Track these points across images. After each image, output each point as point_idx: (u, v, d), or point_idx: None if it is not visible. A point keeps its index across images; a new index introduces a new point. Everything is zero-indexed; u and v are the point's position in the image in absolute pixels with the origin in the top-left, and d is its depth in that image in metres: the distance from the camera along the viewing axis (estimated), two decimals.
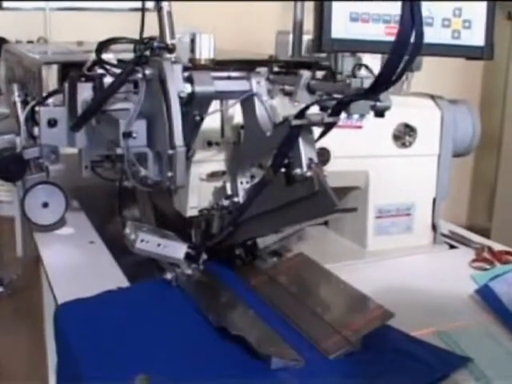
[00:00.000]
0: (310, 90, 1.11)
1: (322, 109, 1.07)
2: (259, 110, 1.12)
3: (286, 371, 0.94)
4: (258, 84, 1.13)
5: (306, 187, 1.02)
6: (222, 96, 1.16)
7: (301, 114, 1.01)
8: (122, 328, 1.06)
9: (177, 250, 1.20)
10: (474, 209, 4.72)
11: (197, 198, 1.27)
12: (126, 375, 0.90)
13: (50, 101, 1.38)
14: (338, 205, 0.98)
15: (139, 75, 1.10)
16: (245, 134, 1.20)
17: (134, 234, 1.20)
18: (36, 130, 1.40)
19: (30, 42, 3.45)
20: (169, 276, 1.21)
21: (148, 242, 1.19)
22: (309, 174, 1.01)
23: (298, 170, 1.02)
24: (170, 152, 1.03)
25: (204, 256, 1.24)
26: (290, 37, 1.70)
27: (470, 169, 4.62)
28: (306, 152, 1.02)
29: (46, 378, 2.00)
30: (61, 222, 1.51)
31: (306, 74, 1.10)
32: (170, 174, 1.04)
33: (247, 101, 1.14)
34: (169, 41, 1.13)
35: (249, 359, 0.96)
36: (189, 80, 1.07)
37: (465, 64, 3.76)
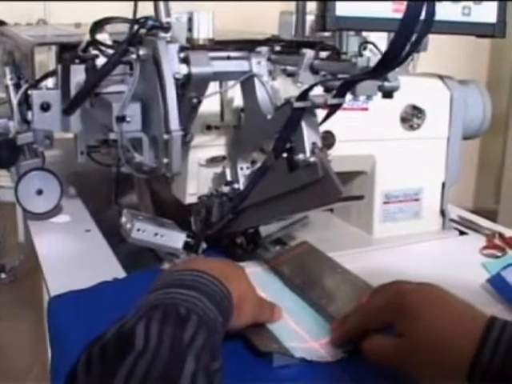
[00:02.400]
0: (314, 70, 1.05)
1: (327, 90, 1.02)
2: (260, 91, 1.07)
3: (287, 369, 0.91)
4: (259, 64, 1.08)
5: (309, 173, 0.97)
6: (221, 77, 1.11)
7: (304, 96, 0.96)
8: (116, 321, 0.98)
9: (175, 239, 1.16)
10: (481, 191, 4.68)
11: (196, 184, 1.22)
12: None
13: (44, 84, 1.33)
14: (342, 192, 0.93)
15: (133, 56, 1.05)
16: (245, 117, 1.15)
17: (129, 222, 1.16)
18: (29, 115, 1.35)
19: (29, 24, 3.40)
20: (166, 266, 1.17)
21: (144, 232, 1.15)
22: (312, 159, 0.96)
23: (300, 156, 0.97)
24: (166, 137, 0.98)
25: (203, 245, 1.19)
26: (293, 17, 1.65)
27: (477, 151, 4.58)
28: (309, 136, 0.97)
29: (47, 364, 1.97)
30: (56, 210, 1.46)
31: (309, 53, 1.05)
32: (165, 160, 0.99)
33: (247, 82, 1.09)
34: (164, 19, 1.08)
35: (250, 356, 0.93)
36: (185, 61, 1.02)
37: (471, 44, 3.71)
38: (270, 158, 1.03)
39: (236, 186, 1.15)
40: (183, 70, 1.01)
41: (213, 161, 1.21)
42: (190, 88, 1.03)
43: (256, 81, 1.08)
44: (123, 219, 1.19)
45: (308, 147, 0.96)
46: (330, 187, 0.94)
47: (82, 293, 1.10)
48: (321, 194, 0.96)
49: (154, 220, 1.19)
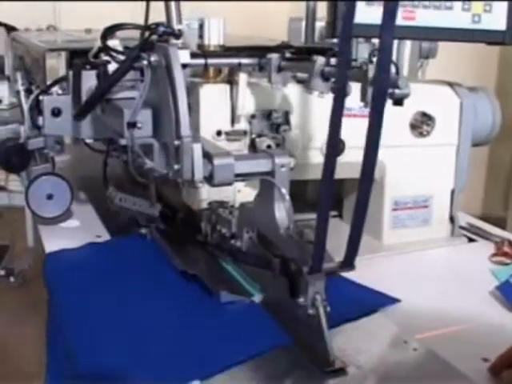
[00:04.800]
0: (325, 76, 1.05)
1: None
2: (278, 205, 1.03)
3: (234, 305, 1.12)
4: (281, 169, 1.02)
5: (306, 321, 0.98)
6: (243, 178, 1.06)
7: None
8: (102, 275, 1.24)
9: (152, 207, 1.37)
10: (489, 198, 4.66)
11: (206, 190, 1.22)
12: (105, 322, 1.08)
13: (55, 89, 1.33)
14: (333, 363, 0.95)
15: (144, 62, 1.05)
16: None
17: (114, 193, 1.41)
18: (40, 120, 1.35)
19: (40, 29, 3.41)
20: (143, 231, 1.39)
21: (126, 201, 1.40)
22: (311, 311, 0.97)
23: (301, 299, 0.97)
24: (177, 143, 0.98)
25: None
26: (303, 23, 1.65)
27: (485, 157, 4.56)
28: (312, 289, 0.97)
29: None
30: (66, 215, 1.46)
31: (320, 60, 1.05)
32: (176, 166, 0.99)
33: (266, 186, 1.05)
34: (175, 26, 1.08)
35: (203, 294, 1.15)
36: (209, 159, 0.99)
37: (480, 51, 3.70)
38: (276, 267, 1.05)
39: None
40: (206, 172, 0.99)
41: None
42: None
43: (276, 192, 1.03)
44: (109, 191, 1.42)
45: (310, 297, 0.96)
46: (322, 349, 0.96)
47: (73, 251, 1.33)
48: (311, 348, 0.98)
49: (135, 193, 1.40)
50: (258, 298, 1.15)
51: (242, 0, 3.77)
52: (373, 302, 1.14)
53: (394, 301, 1.15)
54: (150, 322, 1.08)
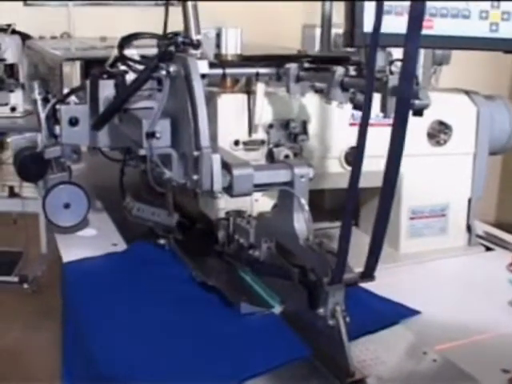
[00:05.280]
0: (344, 87, 1.05)
1: (355, 107, 1.02)
2: (296, 215, 1.02)
3: (253, 316, 1.13)
4: (300, 179, 1.02)
5: (326, 332, 0.98)
6: (261, 189, 1.06)
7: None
8: (122, 285, 1.25)
9: (169, 218, 1.36)
10: (504, 205, 4.64)
11: (224, 199, 1.22)
12: (123, 327, 1.10)
13: (72, 99, 1.34)
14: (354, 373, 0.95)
15: (163, 72, 1.05)
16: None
17: (131, 203, 1.41)
18: (57, 129, 1.36)
19: (54, 37, 3.42)
20: (162, 241, 1.39)
21: (143, 211, 1.39)
22: (331, 322, 0.96)
23: (321, 310, 0.97)
24: (196, 153, 0.98)
25: None
26: (317, 30, 1.65)
27: (499, 164, 4.54)
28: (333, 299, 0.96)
29: None
30: (83, 223, 1.46)
31: (339, 70, 1.05)
32: (195, 176, 0.98)
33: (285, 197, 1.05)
34: (194, 36, 1.08)
35: (223, 305, 1.16)
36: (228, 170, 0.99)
37: (493, 57, 3.69)
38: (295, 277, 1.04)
39: None
40: (225, 182, 0.99)
41: None
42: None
43: (295, 203, 1.02)
44: (126, 200, 1.41)
45: (330, 308, 0.96)
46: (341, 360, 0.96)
47: (91, 260, 1.34)
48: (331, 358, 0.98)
49: (152, 203, 1.39)
50: (277, 309, 1.15)
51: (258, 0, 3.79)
52: (393, 313, 1.14)
53: (414, 312, 1.14)
54: (169, 332, 1.09)
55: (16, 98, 3.01)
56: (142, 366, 0.99)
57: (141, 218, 1.40)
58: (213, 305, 1.17)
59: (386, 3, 1.15)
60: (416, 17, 0.78)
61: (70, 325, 1.26)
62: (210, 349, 1.03)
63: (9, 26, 3.02)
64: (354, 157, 0.86)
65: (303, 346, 1.03)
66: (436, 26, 1.21)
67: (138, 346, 1.04)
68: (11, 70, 2.99)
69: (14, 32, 3.01)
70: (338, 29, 1.54)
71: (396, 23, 1.15)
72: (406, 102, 0.82)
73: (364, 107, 0.84)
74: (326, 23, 1.55)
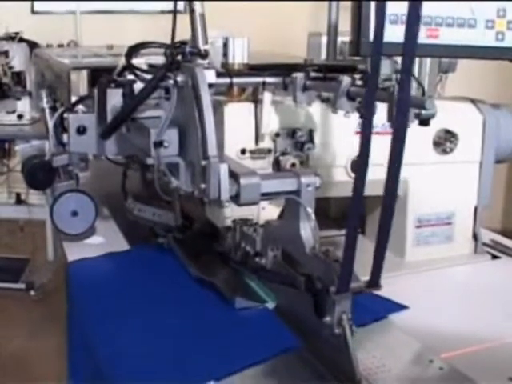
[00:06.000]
0: (350, 96, 1.06)
1: (362, 116, 1.02)
2: (303, 223, 1.03)
3: (248, 311, 1.17)
4: (307, 188, 1.03)
5: (332, 339, 0.98)
6: (268, 198, 1.06)
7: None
8: (122, 282, 1.32)
9: (170, 218, 1.40)
10: (510, 213, 4.63)
11: (231, 207, 1.22)
12: (125, 326, 1.14)
13: (79, 107, 1.35)
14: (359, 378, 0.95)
15: (170, 81, 1.06)
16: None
17: (132, 204, 1.45)
18: (65, 137, 1.37)
19: (61, 45, 3.44)
20: (161, 240, 1.43)
21: (145, 212, 1.43)
22: (337, 331, 0.96)
23: (328, 319, 0.97)
24: (203, 163, 0.98)
25: None
26: (323, 39, 1.65)
27: (505, 171, 4.54)
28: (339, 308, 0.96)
29: None
30: (90, 231, 1.47)
31: (346, 80, 1.05)
32: (203, 185, 0.99)
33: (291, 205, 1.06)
34: (201, 46, 1.09)
35: (219, 301, 1.21)
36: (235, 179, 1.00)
37: (499, 66, 3.69)
38: (301, 284, 1.05)
39: None
40: (232, 191, 0.99)
41: None
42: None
43: (302, 211, 1.03)
44: (128, 201, 1.46)
45: (336, 317, 0.96)
46: (347, 368, 0.96)
47: (94, 260, 1.39)
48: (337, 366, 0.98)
49: (153, 204, 1.42)
50: (271, 304, 1.19)
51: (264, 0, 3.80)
52: (381, 308, 1.18)
53: (402, 308, 1.19)
54: (167, 326, 1.14)
55: (23, 105, 3.03)
56: (141, 357, 1.04)
57: (141, 218, 1.45)
58: (209, 300, 1.22)
59: (392, 13, 1.16)
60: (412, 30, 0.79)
61: (74, 324, 1.33)
62: (205, 340, 1.09)
63: (16, 33, 3.05)
64: (358, 165, 0.86)
65: (294, 337, 1.07)
66: (442, 35, 1.22)
67: (136, 338, 1.10)
68: (18, 77, 3.02)
69: (21, 40, 3.04)
70: (344, 37, 1.55)
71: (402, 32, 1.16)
72: (404, 111, 0.83)
73: (365, 114, 0.85)
74: (332, 31, 1.56)
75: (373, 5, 1.10)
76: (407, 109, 0.85)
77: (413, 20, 0.81)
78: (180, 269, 1.34)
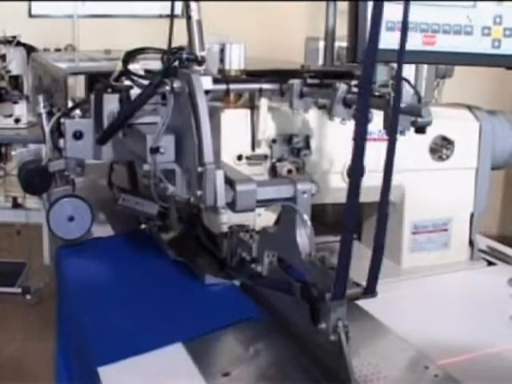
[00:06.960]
0: (346, 103, 1.06)
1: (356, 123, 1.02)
2: (299, 230, 1.03)
3: (217, 286, 1.29)
4: (303, 195, 1.03)
5: (327, 345, 0.97)
6: (264, 204, 1.06)
7: None
8: (107, 263, 1.43)
9: (151, 207, 1.46)
10: (506, 219, 4.64)
11: (227, 214, 1.23)
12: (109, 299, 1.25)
13: (76, 112, 1.35)
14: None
15: (167, 88, 1.06)
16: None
17: (117, 193, 1.52)
18: (61, 142, 1.37)
19: (58, 50, 3.44)
20: (143, 226, 1.51)
21: (128, 201, 1.50)
22: (332, 337, 0.96)
23: (323, 325, 0.96)
24: (200, 169, 0.98)
25: None
26: (320, 43, 1.66)
27: (502, 177, 4.54)
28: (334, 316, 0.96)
29: None
30: (86, 236, 1.47)
31: (342, 87, 1.05)
32: (199, 192, 0.99)
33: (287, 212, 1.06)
34: (198, 52, 1.09)
35: (191, 278, 1.32)
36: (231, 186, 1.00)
37: (496, 72, 3.70)
38: (296, 291, 1.04)
39: None
40: (228, 198, 0.99)
41: None
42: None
43: (298, 218, 1.03)
44: (113, 191, 1.55)
45: (332, 324, 0.95)
46: (343, 375, 0.95)
47: (81, 245, 1.48)
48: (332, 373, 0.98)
49: (137, 194, 1.50)
50: (238, 281, 1.29)
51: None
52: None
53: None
54: (144, 299, 1.25)
55: (20, 109, 3.02)
56: (124, 325, 1.16)
57: (126, 207, 1.52)
58: (182, 277, 1.34)
59: (389, 20, 1.17)
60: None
61: (62, 299, 1.44)
62: (177, 309, 1.21)
63: (14, 37, 3.04)
64: (352, 171, 0.86)
65: (257, 309, 1.19)
66: (438, 42, 1.22)
67: (118, 308, 1.22)
68: (16, 81, 3.01)
69: (18, 44, 3.03)
70: (342, 42, 1.55)
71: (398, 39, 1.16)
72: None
73: (358, 121, 0.85)
74: (330, 36, 1.56)
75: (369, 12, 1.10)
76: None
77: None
78: (159, 252, 1.44)
